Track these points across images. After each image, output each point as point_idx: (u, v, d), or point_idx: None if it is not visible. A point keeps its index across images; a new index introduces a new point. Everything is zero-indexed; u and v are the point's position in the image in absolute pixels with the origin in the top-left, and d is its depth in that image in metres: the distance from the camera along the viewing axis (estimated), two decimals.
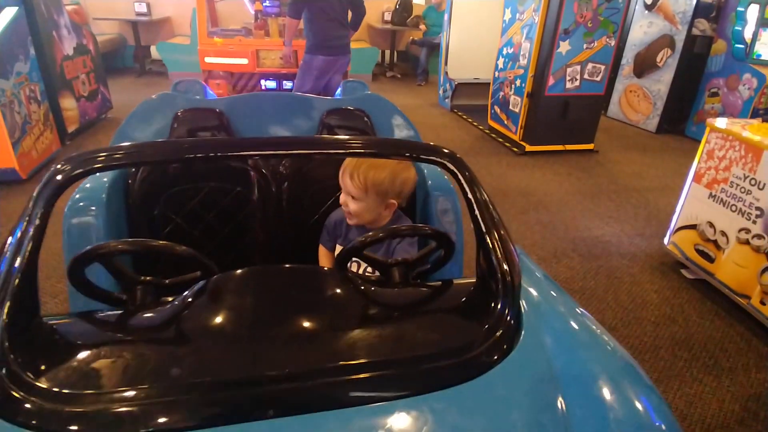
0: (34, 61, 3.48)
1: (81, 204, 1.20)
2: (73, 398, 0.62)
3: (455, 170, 0.88)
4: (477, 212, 0.87)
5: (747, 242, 2.16)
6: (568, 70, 4.16)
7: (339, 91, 1.84)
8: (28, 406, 0.61)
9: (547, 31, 4.04)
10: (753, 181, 2.11)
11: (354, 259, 1.32)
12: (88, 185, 1.25)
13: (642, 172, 4.26)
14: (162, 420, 0.61)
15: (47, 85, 3.68)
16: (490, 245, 0.84)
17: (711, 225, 2.37)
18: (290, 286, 0.86)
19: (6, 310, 0.67)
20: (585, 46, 4.07)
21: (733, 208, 2.23)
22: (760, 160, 2.08)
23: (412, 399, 0.66)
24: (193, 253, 0.86)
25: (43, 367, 0.66)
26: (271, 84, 4.08)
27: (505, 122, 4.75)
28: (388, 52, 8.11)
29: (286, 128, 1.57)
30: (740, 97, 4.61)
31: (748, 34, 4.59)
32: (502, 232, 0.85)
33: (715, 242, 2.35)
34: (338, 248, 1.36)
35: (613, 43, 4.12)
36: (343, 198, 1.26)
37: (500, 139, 4.82)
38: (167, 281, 0.88)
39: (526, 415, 0.67)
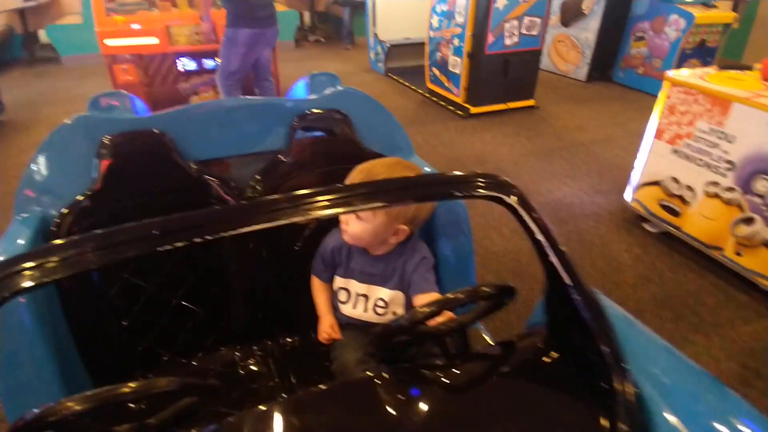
0: None
1: None
2: None
3: (520, 208, 0.69)
4: (554, 259, 0.69)
5: (716, 195, 2.19)
6: (506, 25, 4.02)
7: (302, 84, 1.55)
8: None
9: None
10: (721, 135, 2.11)
11: (358, 294, 1.12)
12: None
13: (583, 125, 4.31)
14: None
15: None
16: (579, 305, 0.67)
17: (675, 180, 2.38)
18: (343, 414, 0.64)
19: None
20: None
21: (699, 162, 2.24)
22: (727, 112, 2.07)
23: None
24: (186, 383, 0.60)
25: None
26: (191, 65, 3.57)
27: (446, 84, 4.58)
28: (308, 15, 7.56)
29: (248, 145, 1.27)
30: (667, 38, 4.74)
31: None
32: (586, 287, 0.69)
33: (680, 197, 2.37)
34: (337, 279, 1.15)
35: None
36: (344, 216, 1.04)
37: (443, 103, 4.66)
38: (151, 420, 0.62)
39: None
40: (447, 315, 0.86)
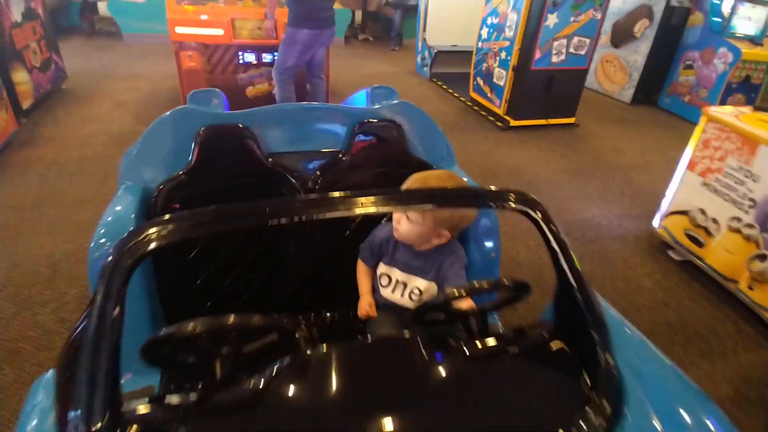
0: None
1: (106, 241, 1.12)
2: None
3: (540, 221, 0.86)
4: (565, 265, 0.85)
5: (738, 230, 2.27)
6: (555, 43, 4.11)
7: (363, 94, 1.76)
8: None
9: (535, 2, 3.95)
10: (747, 173, 2.19)
11: (398, 281, 1.30)
12: (111, 218, 1.16)
13: (622, 148, 4.36)
14: None
15: None
16: (581, 304, 0.84)
17: (703, 212, 2.46)
18: (380, 363, 0.82)
19: (97, 416, 0.63)
20: (572, 19, 4.02)
21: (726, 197, 2.32)
22: (755, 153, 2.15)
23: None
24: (271, 320, 0.80)
25: None
26: (250, 57, 3.82)
27: (489, 95, 4.70)
28: (359, 13, 7.78)
29: (314, 141, 1.49)
30: (714, 70, 4.73)
31: (726, 8, 4.65)
32: (589, 290, 0.85)
33: (705, 228, 2.45)
34: (381, 266, 1.34)
35: (599, 15, 4.09)
36: (397, 215, 1.24)
37: (483, 113, 4.78)
38: (245, 349, 0.82)
39: None
40: (470, 303, 1.04)
